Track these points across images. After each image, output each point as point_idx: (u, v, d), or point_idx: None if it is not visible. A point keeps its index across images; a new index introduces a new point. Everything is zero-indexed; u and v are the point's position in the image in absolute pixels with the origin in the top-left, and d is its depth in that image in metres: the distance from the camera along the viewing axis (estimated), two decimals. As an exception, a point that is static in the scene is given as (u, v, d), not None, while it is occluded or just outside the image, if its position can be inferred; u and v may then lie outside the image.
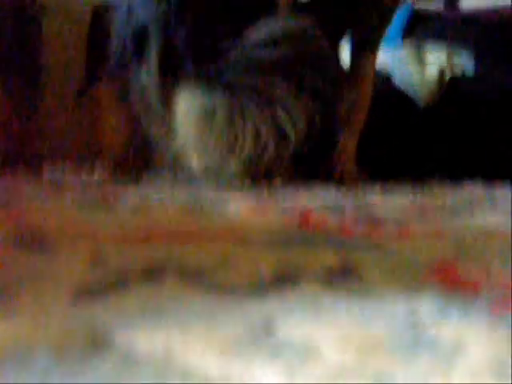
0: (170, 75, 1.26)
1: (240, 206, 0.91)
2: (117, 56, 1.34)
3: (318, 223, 0.73)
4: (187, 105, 1.23)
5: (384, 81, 2.07)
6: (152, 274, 0.42)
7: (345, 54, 1.94)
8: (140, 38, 1.31)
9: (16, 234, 0.55)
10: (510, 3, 2.54)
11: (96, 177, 1.64)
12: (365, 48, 1.70)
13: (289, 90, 1.22)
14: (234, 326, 0.31)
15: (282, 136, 1.23)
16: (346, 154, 1.59)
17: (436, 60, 2.33)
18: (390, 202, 1.12)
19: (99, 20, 1.65)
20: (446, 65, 2.33)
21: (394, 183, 1.91)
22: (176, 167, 1.41)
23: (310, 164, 1.52)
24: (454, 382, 0.25)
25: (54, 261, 0.46)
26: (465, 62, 2.44)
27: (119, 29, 1.34)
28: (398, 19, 2.65)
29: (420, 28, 2.71)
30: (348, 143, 1.63)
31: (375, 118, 1.77)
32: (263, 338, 0.30)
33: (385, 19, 1.71)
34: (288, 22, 1.28)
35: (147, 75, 1.29)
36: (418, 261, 0.51)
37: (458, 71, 2.36)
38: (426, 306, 0.36)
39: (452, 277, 0.45)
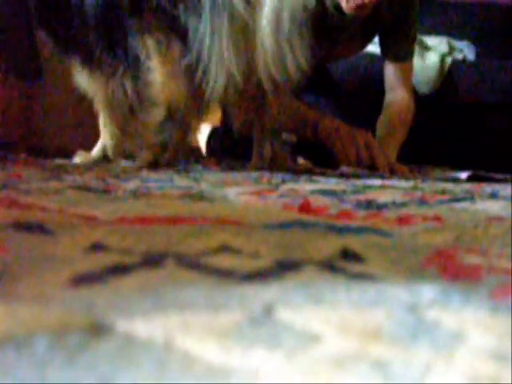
0: None
1: (240, 191, 0.91)
2: None
3: (318, 208, 0.73)
4: None
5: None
6: (152, 258, 0.42)
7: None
8: None
9: (16, 217, 0.55)
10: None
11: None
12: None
13: None
14: (234, 312, 0.31)
15: None
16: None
17: (437, 47, 2.32)
18: (391, 188, 1.11)
19: None
20: (446, 51, 2.32)
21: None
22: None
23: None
24: (455, 368, 0.25)
25: (53, 245, 0.46)
26: (465, 49, 2.43)
27: None
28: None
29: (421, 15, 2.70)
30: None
31: (376, 105, 1.76)
32: (263, 323, 0.30)
33: None
34: None
35: None
36: (419, 246, 0.51)
37: (458, 57, 2.35)
38: (427, 292, 0.36)
39: (453, 262, 0.45)
